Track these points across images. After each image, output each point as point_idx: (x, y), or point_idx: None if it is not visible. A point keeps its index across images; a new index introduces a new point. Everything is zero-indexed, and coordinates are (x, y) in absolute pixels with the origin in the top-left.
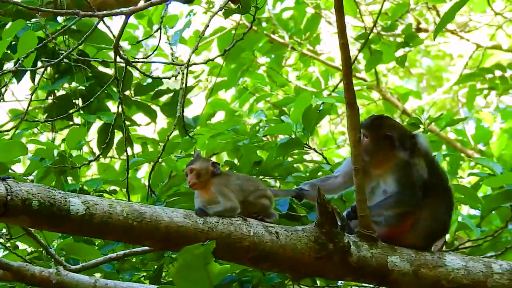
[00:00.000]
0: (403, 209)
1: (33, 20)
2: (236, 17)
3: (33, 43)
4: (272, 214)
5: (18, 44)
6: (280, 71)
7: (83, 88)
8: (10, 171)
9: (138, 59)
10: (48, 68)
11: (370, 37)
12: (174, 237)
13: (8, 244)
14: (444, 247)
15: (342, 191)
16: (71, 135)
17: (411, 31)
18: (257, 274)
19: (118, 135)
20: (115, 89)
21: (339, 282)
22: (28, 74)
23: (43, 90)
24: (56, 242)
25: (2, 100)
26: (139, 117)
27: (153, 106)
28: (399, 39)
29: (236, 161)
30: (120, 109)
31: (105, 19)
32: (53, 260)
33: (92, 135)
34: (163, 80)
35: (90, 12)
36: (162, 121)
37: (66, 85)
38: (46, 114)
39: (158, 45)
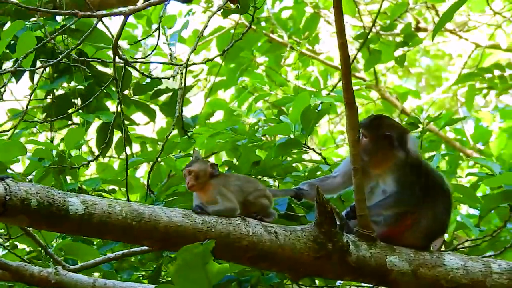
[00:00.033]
0: (402, 209)
1: (32, 19)
2: (235, 16)
3: (32, 43)
4: (271, 214)
5: (17, 44)
6: (279, 71)
7: (82, 87)
8: (9, 170)
9: (137, 59)
10: (47, 68)
11: (369, 36)
12: (173, 236)
13: (7, 244)
14: (443, 246)
15: (341, 191)
16: (70, 135)
17: (410, 31)
18: (256, 274)
19: (117, 135)
20: (114, 89)
21: (338, 282)
22: (27, 73)
23: (42, 90)
24: (55, 241)
25: (1, 100)
26: (138, 116)
27: (152, 106)
28: (398, 39)
29: (235, 160)
30: (119, 109)
31: (104, 18)
32: (52, 260)
33: (91, 134)
34: (162, 79)
35: (89, 13)
36: (161, 120)
37: (65, 85)
38: (45, 113)
39: (156, 44)
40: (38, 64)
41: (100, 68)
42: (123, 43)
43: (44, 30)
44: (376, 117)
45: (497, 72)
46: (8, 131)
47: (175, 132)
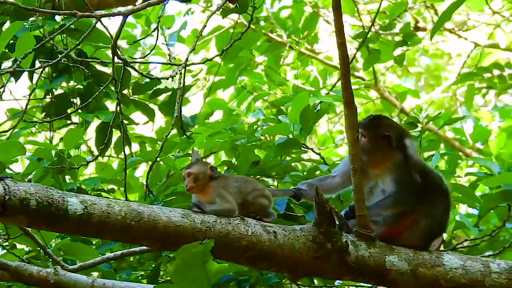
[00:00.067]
0: (401, 209)
1: (31, 19)
2: (234, 16)
3: (31, 43)
4: (271, 214)
5: (16, 44)
6: (278, 70)
7: (81, 87)
8: (8, 170)
9: (136, 58)
10: (46, 67)
11: (368, 36)
12: (172, 236)
13: (6, 244)
14: (442, 246)
15: (340, 191)
16: (69, 136)
17: (409, 30)
18: (255, 274)
19: (116, 134)
20: (113, 88)
21: (337, 281)
22: (26, 73)
23: (41, 89)
24: (54, 241)
25: (0, 100)
26: (137, 115)
27: (151, 105)
28: (397, 38)
29: (234, 160)
30: (118, 109)
31: (103, 18)
32: (51, 260)
33: (90, 134)
34: (161, 79)
35: (87, 13)
36: (160, 119)
37: (64, 84)
38: (44, 113)
39: (155, 44)
40: (37, 64)
41: (99, 67)
42: (122, 43)
43: (43, 30)
44: (375, 117)
45: (496, 72)
46: (7, 131)
47: (174, 131)
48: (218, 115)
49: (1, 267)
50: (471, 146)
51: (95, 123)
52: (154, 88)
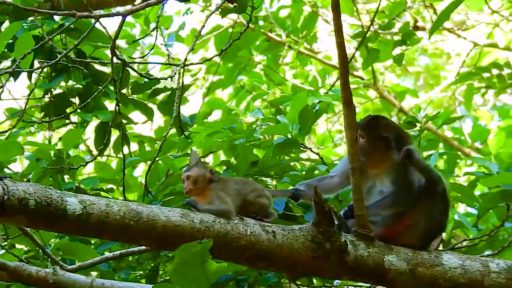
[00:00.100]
0: (399, 209)
1: (30, 18)
2: (233, 15)
3: (30, 44)
4: (271, 214)
5: (16, 44)
6: (277, 70)
7: (80, 86)
8: (7, 170)
9: (135, 58)
10: (45, 67)
11: (367, 35)
12: (171, 236)
13: (5, 244)
14: (441, 246)
15: (339, 191)
16: (68, 136)
17: (408, 30)
18: (254, 273)
19: (115, 134)
20: (112, 88)
21: (336, 281)
22: (25, 72)
23: (40, 89)
24: (53, 241)
25: None
26: (136, 115)
27: (150, 104)
28: (396, 38)
29: (232, 159)
30: (117, 109)
31: (102, 18)
32: (49, 259)
33: (89, 133)
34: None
35: (86, 13)
36: (159, 119)
37: (63, 84)
38: (43, 112)
39: (154, 44)
40: (36, 63)
41: (98, 67)
42: (121, 42)
43: (42, 31)
44: (374, 118)
45: (495, 71)
46: (6, 131)
47: (173, 131)
48: (217, 115)
49: (0, 267)
50: (470, 146)
51: (94, 122)
52: (153, 87)
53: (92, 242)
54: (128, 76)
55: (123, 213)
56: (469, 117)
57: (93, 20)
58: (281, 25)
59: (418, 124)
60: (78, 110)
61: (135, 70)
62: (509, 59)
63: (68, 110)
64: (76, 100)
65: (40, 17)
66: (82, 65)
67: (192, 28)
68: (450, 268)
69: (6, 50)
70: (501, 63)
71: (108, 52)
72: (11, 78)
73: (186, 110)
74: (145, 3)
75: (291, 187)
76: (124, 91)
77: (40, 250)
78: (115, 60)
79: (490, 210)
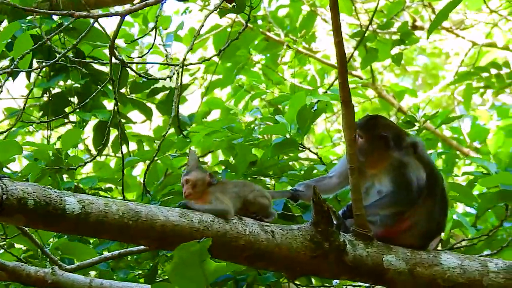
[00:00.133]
0: (398, 208)
1: (28, 17)
2: (232, 14)
3: (29, 44)
4: (271, 214)
5: (15, 44)
6: (276, 69)
7: (79, 85)
8: (6, 170)
9: (133, 58)
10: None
11: (365, 34)
12: (169, 236)
13: (4, 243)
14: (440, 245)
15: (337, 191)
16: (67, 136)
17: (406, 29)
18: (252, 273)
19: (113, 133)
20: (110, 87)
21: (335, 281)
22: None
23: (39, 88)
24: (52, 240)
25: None
26: (135, 114)
27: (149, 104)
28: (395, 37)
29: (231, 158)
30: (116, 109)
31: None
32: (48, 259)
33: (88, 132)
34: (158, 77)
35: (85, 13)
36: (158, 118)
37: (61, 83)
38: (42, 111)
39: (153, 43)
40: (35, 63)
41: (96, 66)
42: (119, 41)
43: (40, 30)
44: (372, 117)
45: (493, 71)
46: (5, 132)
47: (172, 130)
48: (215, 114)
49: None
50: (469, 145)
51: (93, 121)
52: (152, 87)
53: (91, 241)
54: (126, 75)
55: (122, 212)
56: (468, 116)
57: (91, 20)
58: (280, 25)
59: (417, 124)
60: (77, 110)
61: (133, 70)
62: (507, 59)
63: (66, 110)
64: (74, 99)
65: (38, 17)
66: (81, 64)
67: (190, 27)
68: (449, 268)
69: (5, 49)
70: (500, 62)
71: (106, 51)
72: (10, 78)
73: (185, 110)
74: (144, 3)
75: (290, 188)
76: (122, 90)
77: (39, 250)
78: (113, 60)
79: (489, 210)
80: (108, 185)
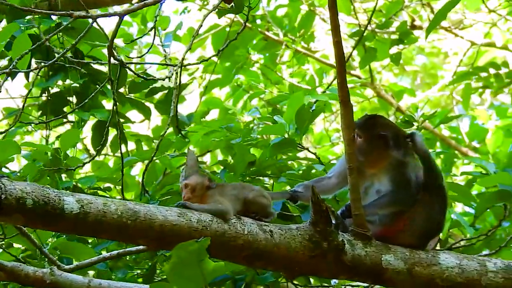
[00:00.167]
0: (397, 208)
1: (27, 17)
2: (231, 14)
3: (27, 44)
4: (271, 214)
5: (13, 44)
6: (275, 69)
7: (77, 85)
8: (5, 169)
9: (132, 58)
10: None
11: (364, 34)
12: (168, 235)
13: (2, 243)
14: (438, 245)
15: (337, 192)
16: (66, 137)
17: (405, 29)
18: (251, 273)
19: (112, 132)
20: (109, 87)
21: (333, 280)
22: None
23: (37, 88)
24: (51, 240)
25: None
26: (133, 114)
27: (147, 103)
28: (393, 37)
29: (230, 158)
30: (114, 108)
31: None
32: (47, 259)
33: (86, 132)
34: (157, 77)
35: (84, 13)
36: (156, 118)
37: (60, 82)
38: (40, 111)
39: (152, 43)
40: (33, 63)
41: (95, 65)
42: (118, 41)
43: (39, 31)
44: (371, 117)
45: (492, 71)
46: (4, 132)
47: (170, 129)
48: (214, 114)
49: None
50: (468, 145)
51: (91, 121)
52: (150, 86)
53: (89, 241)
54: (125, 75)
55: (120, 212)
56: (467, 116)
57: (90, 20)
58: (279, 24)
59: (415, 123)
60: (76, 109)
61: (132, 71)
62: (506, 58)
63: (65, 109)
64: (73, 99)
65: (37, 16)
66: (80, 64)
67: (189, 27)
68: (447, 267)
69: (4, 49)
70: (499, 62)
71: (105, 50)
72: (9, 78)
73: (184, 109)
74: (143, 3)
75: (289, 189)
76: (121, 90)
77: (37, 250)
78: (112, 60)
79: (488, 210)
80: (107, 184)
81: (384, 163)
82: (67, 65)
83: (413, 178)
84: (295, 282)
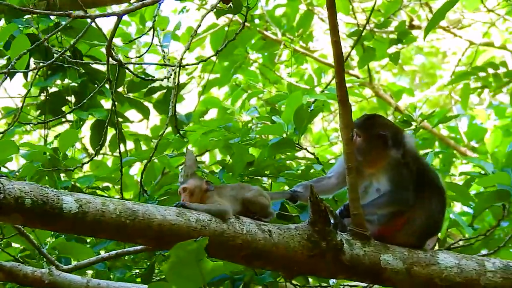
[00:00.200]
0: (396, 208)
1: (26, 17)
2: (229, 14)
3: (26, 45)
4: (270, 214)
5: (12, 44)
6: (273, 68)
7: (76, 84)
8: (3, 169)
9: (131, 58)
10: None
11: (363, 34)
12: (167, 235)
13: (1, 242)
14: (437, 245)
15: (336, 192)
16: (64, 137)
17: (404, 28)
18: (249, 273)
19: (111, 132)
20: (107, 86)
21: (332, 280)
22: None
23: (36, 87)
24: (49, 240)
25: None
26: (132, 113)
27: (146, 103)
28: (392, 36)
29: (228, 158)
30: (113, 108)
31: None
32: (45, 259)
33: (85, 131)
34: (156, 76)
35: (82, 13)
36: (155, 117)
37: (58, 82)
38: (39, 110)
39: (151, 43)
40: (32, 62)
41: (94, 65)
42: (116, 40)
43: (37, 30)
44: (370, 117)
45: (491, 70)
46: (2, 132)
47: (169, 129)
48: (212, 113)
49: None
50: (466, 145)
51: (90, 120)
52: (149, 86)
53: (88, 241)
54: (124, 74)
55: (119, 211)
56: (465, 116)
57: (89, 20)
58: (277, 24)
59: (414, 123)
60: (74, 109)
61: (130, 71)
62: (505, 58)
63: (64, 108)
64: (72, 99)
65: (35, 16)
66: (78, 64)
67: (188, 26)
68: (446, 267)
69: (2, 49)
70: (497, 62)
71: (103, 50)
72: (7, 77)
73: (182, 109)
74: (141, 3)
75: (288, 189)
76: (120, 89)
77: (35, 250)
78: (111, 60)
79: (486, 210)
80: (106, 184)
81: (383, 163)
82: (66, 65)
83: (412, 178)
84: (293, 281)
